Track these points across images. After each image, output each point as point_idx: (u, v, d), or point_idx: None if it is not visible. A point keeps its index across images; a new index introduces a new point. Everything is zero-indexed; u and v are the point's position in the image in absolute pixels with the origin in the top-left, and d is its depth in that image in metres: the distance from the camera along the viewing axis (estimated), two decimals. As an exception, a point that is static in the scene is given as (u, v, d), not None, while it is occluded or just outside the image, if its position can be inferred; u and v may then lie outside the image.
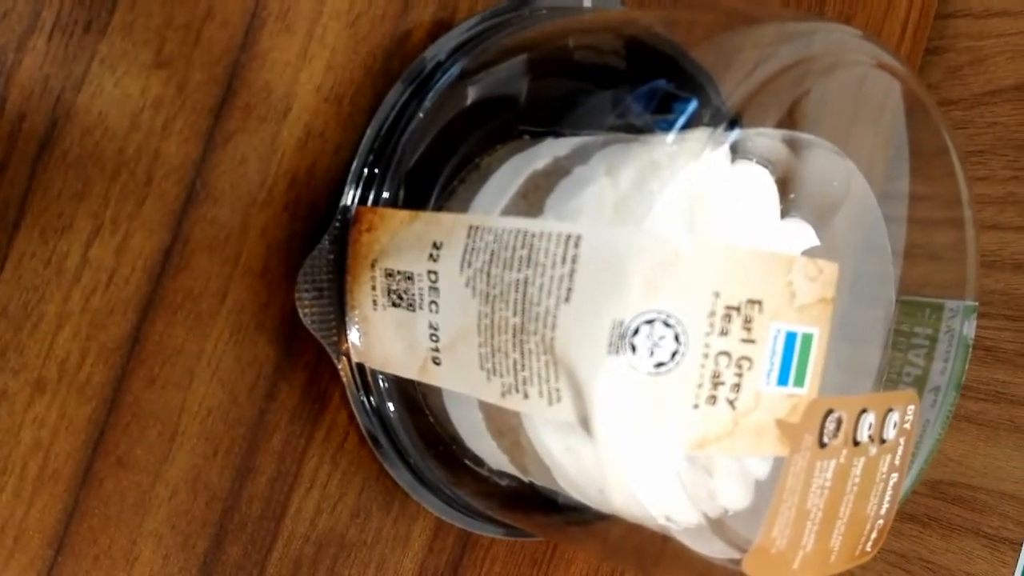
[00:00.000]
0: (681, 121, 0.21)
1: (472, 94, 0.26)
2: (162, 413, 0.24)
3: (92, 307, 0.22)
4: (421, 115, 0.24)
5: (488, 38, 0.27)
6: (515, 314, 0.19)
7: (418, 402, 0.26)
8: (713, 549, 0.22)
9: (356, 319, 0.23)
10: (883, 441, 0.21)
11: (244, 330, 0.24)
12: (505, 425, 0.23)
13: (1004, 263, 0.37)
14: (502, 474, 0.27)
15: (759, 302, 0.18)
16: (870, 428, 0.21)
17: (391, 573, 0.28)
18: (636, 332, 0.18)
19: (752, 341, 0.18)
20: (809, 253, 0.27)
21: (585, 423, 0.18)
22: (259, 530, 0.25)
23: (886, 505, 0.22)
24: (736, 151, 0.26)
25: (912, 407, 0.22)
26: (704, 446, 0.18)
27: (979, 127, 0.40)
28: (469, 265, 0.20)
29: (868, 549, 0.23)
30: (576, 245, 0.18)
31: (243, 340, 0.24)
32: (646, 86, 0.24)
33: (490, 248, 0.20)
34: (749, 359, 0.18)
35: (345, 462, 0.26)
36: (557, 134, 0.25)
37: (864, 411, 0.21)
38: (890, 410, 0.21)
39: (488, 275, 0.20)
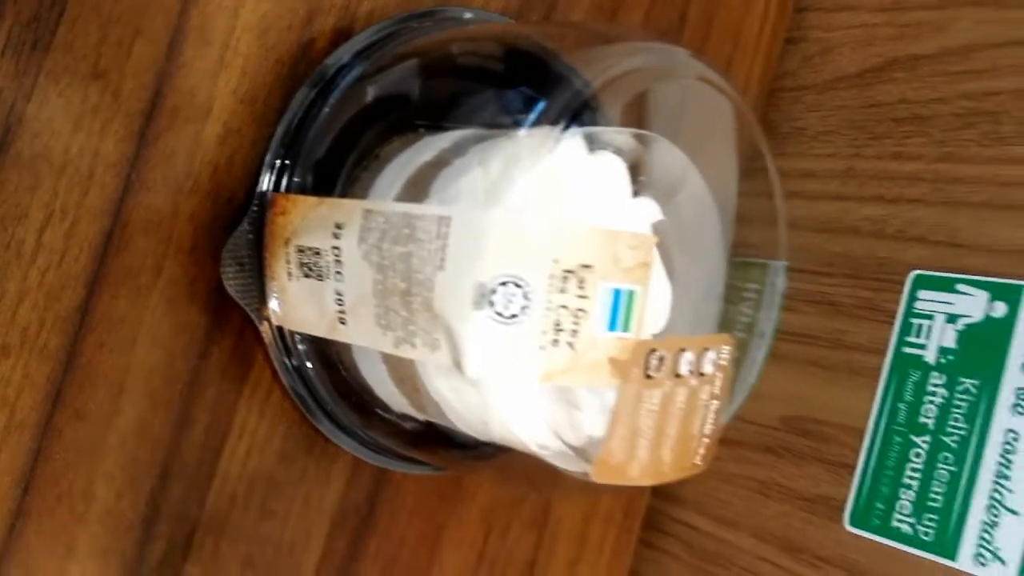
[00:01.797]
0: (532, 119, 0.25)
1: (371, 94, 0.30)
2: (110, 373, 0.28)
3: (47, 283, 0.26)
4: (326, 111, 0.29)
5: (384, 45, 0.31)
6: (402, 281, 0.24)
7: (332, 358, 0.30)
8: (580, 469, 0.27)
9: (274, 289, 0.28)
10: (702, 374, 0.27)
11: (178, 301, 0.29)
12: (404, 373, 0.28)
13: (845, 229, 0.43)
14: (407, 417, 0.31)
15: (590, 266, 0.23)
16: (690, 364, 0.26)
17: (315, 507, 0.33)
18: (494, 292, 0.22)
19: (586, 297, 0.23)
20: (657, 224, 0.32)
21: (459, 365, 0.23)
22: (197, 472, 0.30)
23: (710, 426, 0.28)
24: (593, 143, 0.31)
25: (726, 347, 0.27)
26: (551, 379, 0.24)
27: (828, 110, 0.45)
28: (365, 242, 0.25)
29: (698, 463, 0.28)
30: (447, 225, 0.23)
31: (177, 309, 0.29)
32: (512, 89, 0.28)
33: (381, 228, 0.24)
34: (584, 311, 0.24)
35: (271, 413, 0.31)
36: (443, 129, 0.29)
37: (683, 350, 0.26)
38: (706, 349, 0.27)
39: (380, 250, 0.24)
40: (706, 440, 0.28)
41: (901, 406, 0.38)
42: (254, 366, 0.30)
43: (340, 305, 0.26)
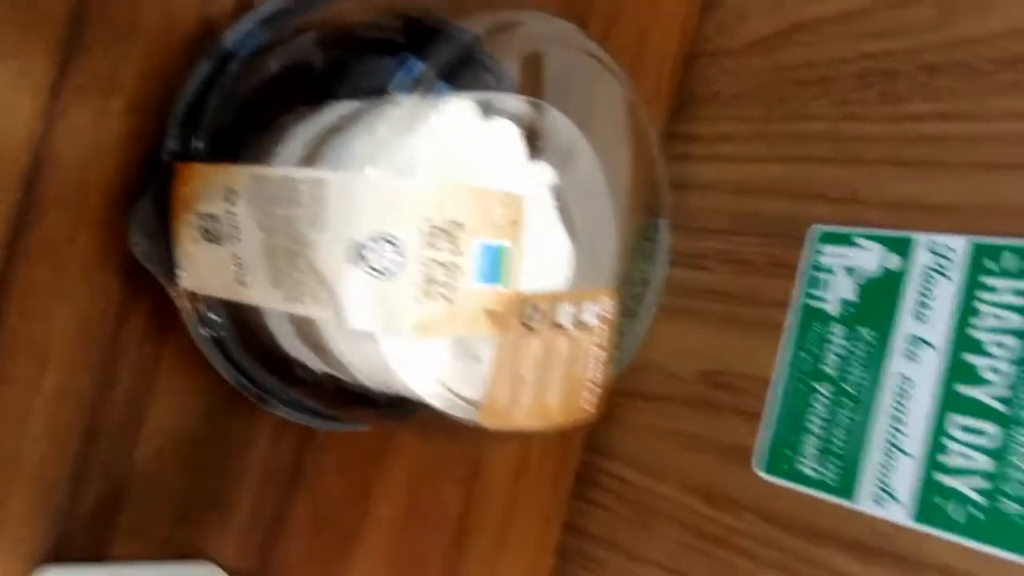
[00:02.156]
0: (412, 80, 0.27)
1: (272, 65, 0.32)
2: (35, 338, 0.30)
3: (-36, 256, 0.28)
4: (226, 83, 0.30)
5: (285, 17, 0.32)
6: (287, 241, 0.26)
7: (248, 321, 0.32)
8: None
9: (182, 255, 0.29)
10: (584, 325, 0.29)
11: (93, 269, 0.30)
12: (309, 332, 0.30)
13: (756, 189, 0.45)
14: (326, 376, 0.33)
15: (462, 224, 0.25)
16: (569, 316, 0.28)
17: (243, 464, 0.34)
18: (367, 248, 0.24)
19: (460, 253, 0.25)
20: (555, 188, 0.34)
21: (341, 318, 0.25)
22: (123, 428, 0.32)
23: (596, 373, 0.30)
24: (489, 110, 0.33)
25: (609, 300, 0.29)
26: (428, 330, 0.25)
27: (742, 74, 0.47)
28: (254, 206, 0.26)
29: (586, 408, 0.30)
30: (323, 187, 0.25)
31: (94, 277, 0.30)
32: (402, 54, 0.30)
33: (267, 192, 0.26)
34: (457, 265, 0.25)
35: (192, 374, 0.33)
36: (343, 98, 0.31)
37: (560, 302, 0.28)
38: (585, 301, 0.29)
39: (267, 213, 0.26)
40: (593, 386, 0.30)
41: (805, 356, 0.40)
42: (174, 330, 0.32)
43: (239, 267, 0.28)
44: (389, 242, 0.24)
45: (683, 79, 0.49)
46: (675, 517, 0.43)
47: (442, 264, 0.25)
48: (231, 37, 0.31)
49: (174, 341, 0.32)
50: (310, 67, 0.32)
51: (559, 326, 0.28)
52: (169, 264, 0.30)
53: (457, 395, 0.28)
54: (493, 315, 0.26)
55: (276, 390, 0.34)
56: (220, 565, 0.33)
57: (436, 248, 0.25)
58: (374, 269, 0.24)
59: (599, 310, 0.29)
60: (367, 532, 0.38)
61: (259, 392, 0.33)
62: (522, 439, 0.44)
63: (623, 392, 0.47)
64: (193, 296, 0.31)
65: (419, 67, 0.28)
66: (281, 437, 0.35)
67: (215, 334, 0.32)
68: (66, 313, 0.30)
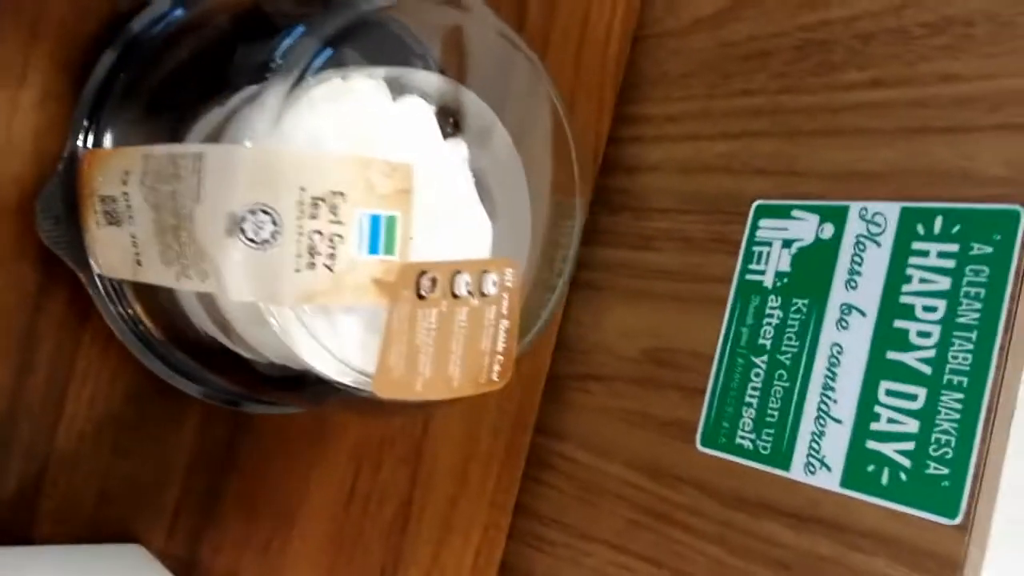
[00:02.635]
0: (303, 61, 0.27)
1: (183, 51, 0.32)
2: (-53, 328, 0.30)
3: None
4: (133, 71, 0.31)
5: (197, 2, 0.33)
6: (172, 217, 0.26)
7: (163, 303, 0.32)
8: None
9: (89, 240, 0.30)
10: (484, 295, 0.29)
11: (6, 259, 0.31)
12: (212, 309, 0.30)
13: (699, 168, 0.44)
14: (246, 357, 0.33)
15: (342, 193, 0.25)
16: (468, 285, 0.28)
17: (170, 448, 0.35)
18: (244, 219, 0.24)
19: (340, 223, 0.25)
20: (473, 166, 0.34)
21: (222, 290, 0.25)
22: (43, 413, 0.32)
23: (502, 344, 0.30)
24: (404, 89, 0.33)
25: (511, 270, 0.29)
26: (312, 300, 0.26)
27: (688, 53, 0.47)
28: (144, 185, 0.27)
29: (495, 379, 0.30)
30: (201, 160, 0.25)
31: (7, 267, 0.31)
32: (298, 32, 0.30)
33: (155, 170, 0.26)
34: (340, 235, 0.25)
35: (113, 359, 0.33)
36: (250, 81, 0.31)
37: (458, 272, 0.28)
38: (485, 272, 0.29)
39: (155, 190, 0.26)
40: (500, 357, 0.30)
41: (743, 330, 0.40)
42: (92, 316, 0.32)
43: (135, 247, 0.28)
44: (265, 212, 0.25)
45: (632, 61, 0.49)
46: (622, 495, 0.43)
47: (323, 234, 0.25)
48: (139, 23, 0.31)
49: (93, 327, 0.33)
50: (214, 51, 0.32)
51: (458, 296, 0.28)
52: (79, 250, 0.30)
53: (358, 369, 0.28)
54: (381, 284, 0.26)
55: (197, 374, 0.34)
56: (149, 548, 0.34)
57: (316, 219, 0.25)
58: (251, 240, 0.25)
59: (503, 280, 0.29)
60: (304, 516, 0.38)
61: (180, 376, 0.34)
62: (469, 420, 0.44)
63: (574, 375, 0.47)
64: (107, 281, 0.31)
65: (316, 38, 0.28)
66: (212, 420, 0.36)
67: (131, 318, 0.32)
68: (-19, 301, 0.30)
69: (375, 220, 0.26)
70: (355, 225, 0.26)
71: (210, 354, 0.33)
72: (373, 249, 0.26)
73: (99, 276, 0.31)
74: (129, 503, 0.34)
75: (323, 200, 0.25)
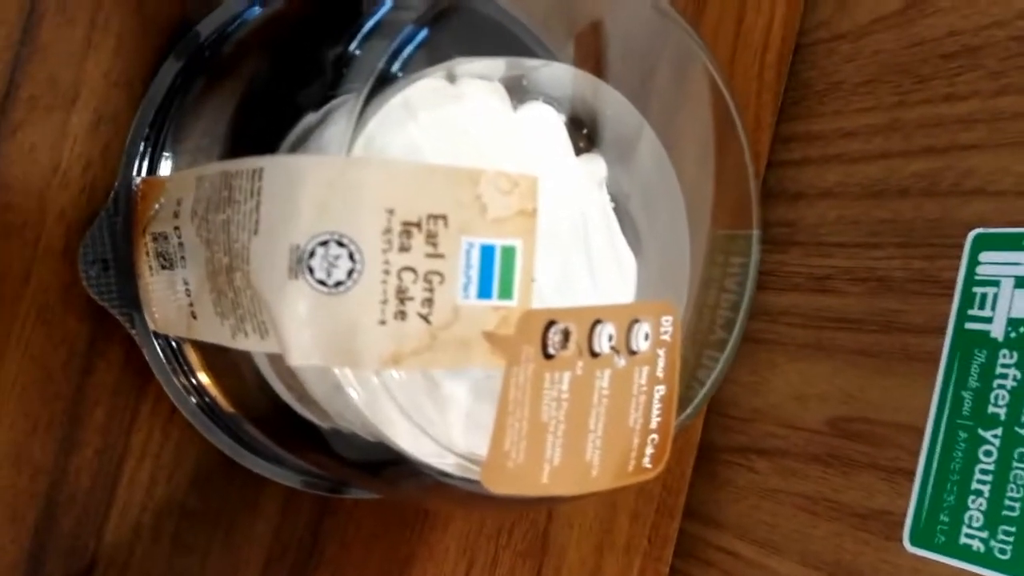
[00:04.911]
0: (401, 42, 0.21)
1: (257, 59, 0.27)
2: (-18, 394, 0.25)
3: None
4: (199, 84, 0.25)
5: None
6: (225, 254, 0.20)
7: (228, 362, 0.26)
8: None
9: (142, 288, 0.24)
10: (632, 352, 0.21)
11: (51, 309, 0.25)
12: (285, 374, 0.24)
13: (891, 191, 0.36)
14: (339, 435, 0.27)
15: (443, 217, 0.19)
16: (611, 340, 0.21)
17: (243, 539, 0.29)
18: (312, 254, 0.18)
19: (440, 256, 0.19)
20: (612, 187, 0.27)
21: (282, 351, 0.19)
22: (91, 501, 0.26)
23: (656, 418, 0.22)
24: (527, 93, 0.26)
25: (668, 318, 0.22)
26: (400, 362, 0.19)
27: (866, 57, 0.39)
28: (196, 215, 0.21)
29: (647, 465, 0.22)
30: (260, 178, 0.19)
31: (51, 319, 0.25)
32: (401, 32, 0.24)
33: (207, 195, 0.20)
34: (439, 273, 0.19)
35: (177, 432, 0.27)
36: (342, 91, 0.25)
37: (599, 322, 0.21)
38: (636, 321, 0.21)
39: (207, 220, 0.20)
40: (654, 436, 0.22)
41: (966, 395, 0.31)
42: (153, 381, 0.27)
43: (189, 296, 0.22)
44: (340, 243, 0.18)
45: (798, 72, 0.41)
46: (802, 604, 0.34)
47: (417, 273, 0.18)
48: (206, 26, 0.26)
49: (155, 393, 0.27)
50: (309, 52, 0.26)
51: (597, 355, 0.21)
52: (131, 302, 0.25)
53: (463, 455, 0.21)
54: (496, 340, 0.19)
55: (275, 453, 0.28)
56: (218, 666, 0.27)
57: (407, 252, 0.18)
58: (321, 282, 0.18)
59: (658, 332, 0.22)
60: (408, 622, 0.31)
61: (255, 455, 0.28)
62: (604, 503, 0.36)
63: (731, 448, 0.39)
64: (166, 339, 0.26)
65: (419, 36, 0.22)
66: (293, 506, 0.29)
67: (195, 384, 0.26)
68: (18, 362, 0.25)
69: (487, 252, 0.19)
70: (460, 259, 0.19)
71: (292, 430, 0.27)
72: (484, 292, 0.19)
73: (154, 333, 0.25)
74: (196, 610, 0.28)
75: (417, 226, 0.18)
